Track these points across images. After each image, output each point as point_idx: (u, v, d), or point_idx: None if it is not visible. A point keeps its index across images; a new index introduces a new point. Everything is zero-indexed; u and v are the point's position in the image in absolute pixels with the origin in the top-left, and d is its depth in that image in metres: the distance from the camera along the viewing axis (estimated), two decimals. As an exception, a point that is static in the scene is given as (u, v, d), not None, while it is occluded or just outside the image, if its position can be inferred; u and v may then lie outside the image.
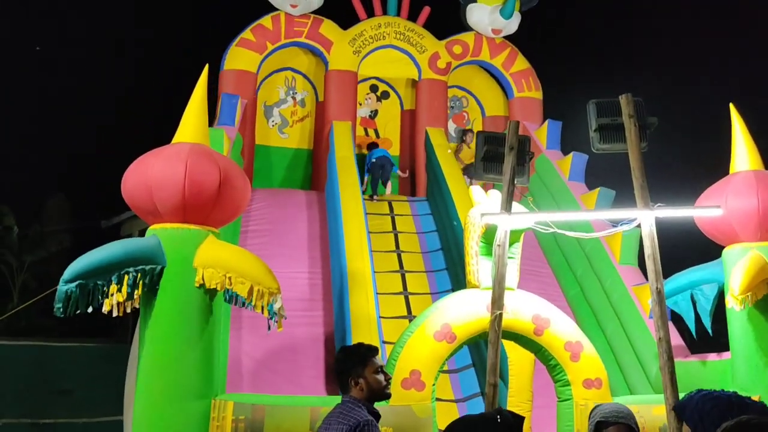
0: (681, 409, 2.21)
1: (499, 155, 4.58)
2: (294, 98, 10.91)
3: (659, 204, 4.41)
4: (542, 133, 10.04)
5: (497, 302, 4.42)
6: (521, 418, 2.22)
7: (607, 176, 9.13)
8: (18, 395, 11.74)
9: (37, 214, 19.26)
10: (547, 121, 10.14)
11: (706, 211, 5.46)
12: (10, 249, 17.72)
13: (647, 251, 4.27)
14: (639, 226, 4.42)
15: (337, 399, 3.45)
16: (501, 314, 4.39)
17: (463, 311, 5.21)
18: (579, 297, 8.34)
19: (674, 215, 4.61)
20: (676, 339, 6.68)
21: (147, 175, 4.86)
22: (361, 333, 6.59)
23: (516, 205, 4.76)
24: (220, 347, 5.64)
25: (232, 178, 5.02)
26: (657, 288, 4.23)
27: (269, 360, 7.34)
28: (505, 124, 10.94)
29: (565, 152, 9.74)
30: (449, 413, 6.91)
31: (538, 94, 10.96)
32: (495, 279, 4.50)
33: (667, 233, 4.86)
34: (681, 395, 3.75)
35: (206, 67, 5.50)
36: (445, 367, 7.67)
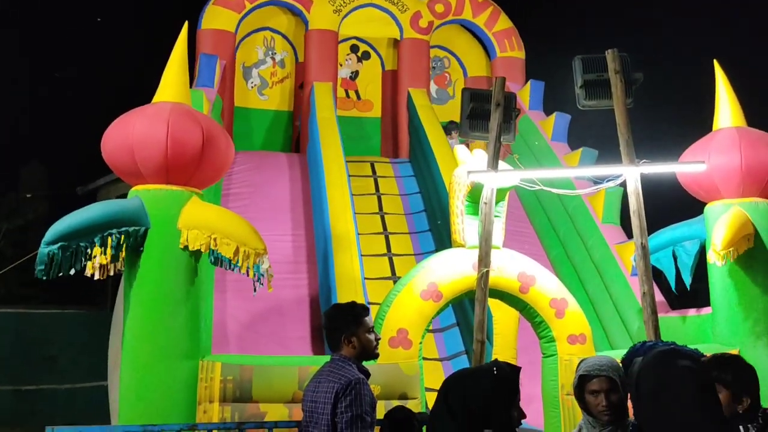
0: (628, 364, 2.28)
1: (485, 112, 4.54)
2: (273, 59, 10.72)
3: (644, 160, 4.42)
4: (525, 94, 9.99)
5: (484, 260, 4.43)
6: (517, 369, 2.24)
7: (589, 136, 9.17)
8: (0, 362, 11.67)
9: (12, 182, 18.94)
10: (529, 82, 10.09)
11: (690, 167, 5.50)
12: (-15, 216, 17.43)
13: (632, 207, 4.30)
14: (624, 183, 4.44)
15: (325, 359, 3.46)
16: (488, 272, 4.41)
17: (449, 270, 5.22)
18: (562, 256, 8.42)
19: (659, 170, 4.63)
20: (657, 295, 6.78)
21: (128, 135, 4.76)
22: (346, 294, 6.60)
23: (502, 164, 4.74)
24: (206, 309, 5.63)
25: (214, 137, 4.94)
26: (642, 243, 4.27)
27: (255, 322, 7.35)
28: (487, 84, 10.86)
29: (548, 113, 9.72)
30: (435, 372, 7.00)
31: (520, 54, 10.87)
32: (482, 237, 4.50)
33: (651, 192, 4.89)
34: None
35: (185, 25, 5.35)
36: (430, 327, 7.78)
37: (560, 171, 6.69)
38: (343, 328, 3.39)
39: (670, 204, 6.97)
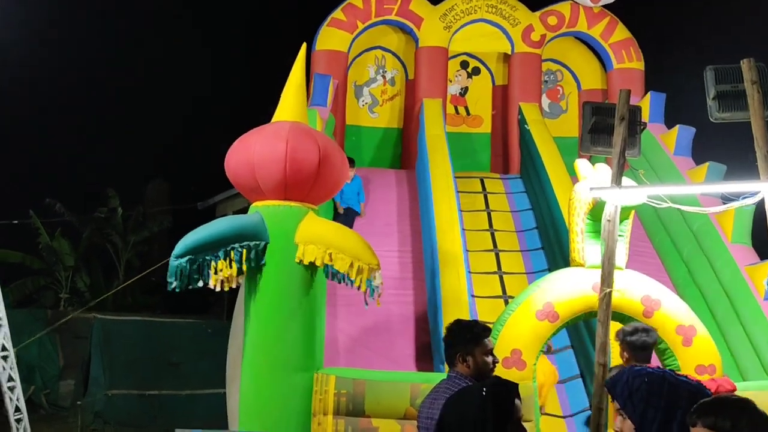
0: (612, 386, 2.09)
1: (608, 127, 4.36)
2: (384, 77, 10.87)
3: (786, 177, 4.08)
4: (644, 106, 9.54)
5: (606, 280, 4.24)
6: (512, 387, 2.24)
7: (715, 151, 8.61)
8: (126, 368, 12.40)
9: (139, 197, 20.30)
10: (649, 93, 9.63)
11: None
12: (115, 229, 18.74)
13: (774, 227, 3.97)
14: (762, 200, 4.11)
15: (437, 376, 3.41)
16: (611, 293, 4.20)
17: (567, 290, 5.04)
18: (686, 278, 7.92)
19: (803, 188, 4.24)
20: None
21: (249, 154, 4.95)
22: (452, 312, 6.50)
23: (625, 180, 4.53)
24: (320, 323, 5.74)
25: (330, 155, 5.05)
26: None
27: (363, 337, 7.41)
28: (602, 97, 10.49)
29: (669, 126, 9.24)
30: (551, 396, 6.76)
31: (639, 65, 10.42)
32: (605, 256, 4.31)
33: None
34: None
35: (303, 47, 5.52)
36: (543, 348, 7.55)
37: (690, 187, 6.31)
38: (460, 345, 3.35)
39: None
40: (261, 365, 4.85)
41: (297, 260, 4.90)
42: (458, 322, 3.67)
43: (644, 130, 4.51)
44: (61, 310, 15.55)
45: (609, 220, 4.29)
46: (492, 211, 9.18)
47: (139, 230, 18.76)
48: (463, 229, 8.52)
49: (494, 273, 8.26)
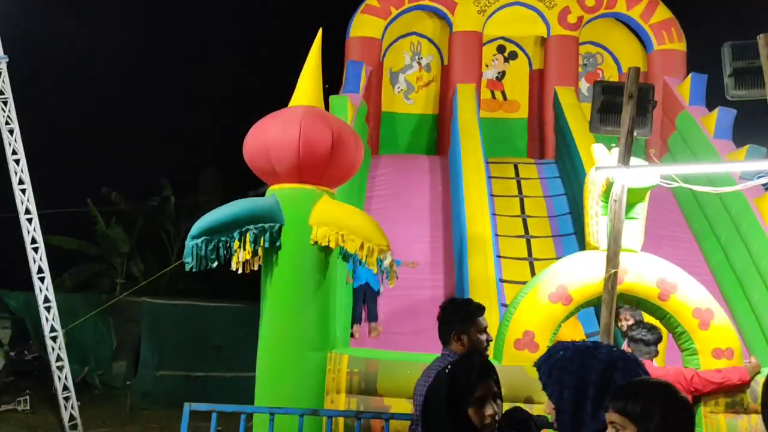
0: (538, 366, 1.97)
1: (617, 105, 4.28)
2: (419, 63, 10.87)
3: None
4: (685, 88, 9.27)
5: (612, 260, 4.18)
6: (481, 363, 2.20)
7: (760, 133, 8.28)
8: (174, 350, 12.85)
9: (192, 186, 20.90)
10: (690, 75, 9.33)
11: None
12: (168, 217, 19.35)
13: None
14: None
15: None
16: (616, 273, 4.15)
17: (581, 273, 4.98)
18: (723, 263, 7.69)
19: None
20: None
21: (265, 138, 5.08)
22: (479, 295, 6.53)
23: (635, 160, 4.44)
24: (339, 304, 5.85)
25: (344, 138, 5.12)
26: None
27: (393, 319, 7.50)
28: (643, 79, 10.22)
29: (712, 109, 8.94)
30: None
31: (681, 46, 10.10)
32: (610, 236, 4.25)
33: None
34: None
35: (320, 32, 5.61)
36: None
37: (699, 167, 6.12)
38: (455, 323, 3.38)
39: None
40: (276, 344, 4.99)
41: (312, 242, 5.01)
42: (452, 301, 3.69)
43: (655, 108, 4.40)
44: (116, 295, 16.21)
45: (615, 201, 4.23)
46: (525, 196, 9.10)
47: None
48: (495, 215, 8.49)
49: (524, 259, 8.20)
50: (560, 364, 1.88)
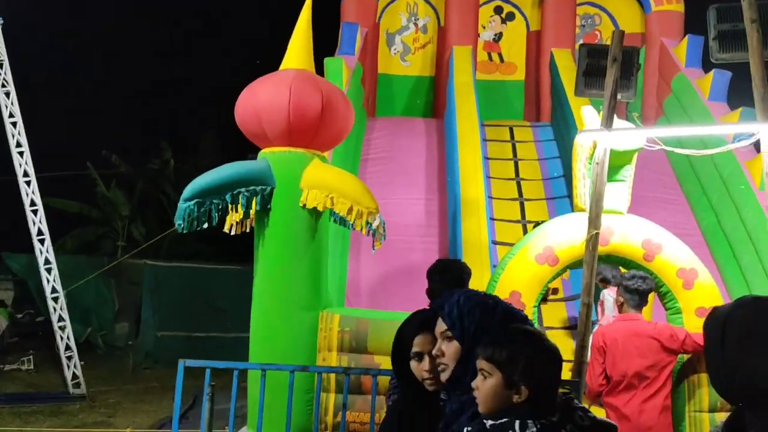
0: (440, 306, 1.96)
1: (601, 69, 4.31)
2: (416, 24, 10.79)
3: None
4: (681, 50, 9.22)
5: (593, 222, 4.27)
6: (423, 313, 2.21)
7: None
8: (175, 311, 13.09)
9: (192, 150, 20.92)
10: (686, 37, 9.27)
11: None
12: (168, 180, 19.41)
13: (765, 169, 3.89)
14: (758, 142, 4.02)
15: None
16: (597, 234, 4.24)
17: (567, 235, 5.06)
18: (714, 226, 7.77)
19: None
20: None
21: (255, 101, 5.12)
22: (472, 258, 6.64)
23: (619, 122, 4.48)
24: (331, 266, 5.96)
25: (334, 102, 5.16)
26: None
27: (385, 281, 7.63)
28: (641, 42, 10.15)
29: (709, 71, 8.90)
30: (562, 341, 6.84)
31: (679, 7, 10.00)
32: (592, 198, 4.33)
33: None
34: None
35: (310, -6, 5.59)
36: (560, 295, 7.60)
37: (681, 129, 6.17)
38: (442, 282, 3.49)
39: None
40: (269, 303, 5.12)
41: (301, 205, 5.09)
42: (442, 261, 3.80)
43: (639, 71, 4.43)
44: (118, 257, 16.41)
45: (597, 163, 4.29)
46: (519, 159, 9.15)
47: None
48: (489, 177, 8.55)
49: (518, 222, 8.30)
50: (482, 310, 1.91)
